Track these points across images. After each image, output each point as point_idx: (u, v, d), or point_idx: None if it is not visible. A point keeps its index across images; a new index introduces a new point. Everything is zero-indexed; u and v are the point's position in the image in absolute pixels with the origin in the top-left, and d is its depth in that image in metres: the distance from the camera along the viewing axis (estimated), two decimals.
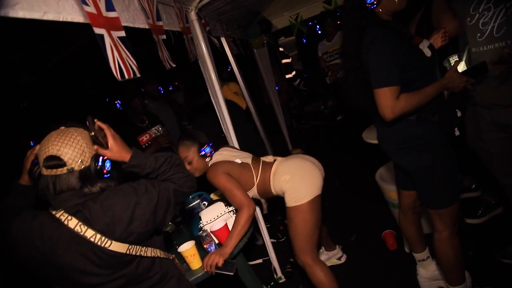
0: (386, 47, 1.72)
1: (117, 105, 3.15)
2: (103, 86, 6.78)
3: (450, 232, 1.97)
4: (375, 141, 2.80)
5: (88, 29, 1.23)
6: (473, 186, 3.03)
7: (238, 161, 2.33)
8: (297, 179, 2.19)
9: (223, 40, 3.62)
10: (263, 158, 2.40)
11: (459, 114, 1.90)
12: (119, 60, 1.31)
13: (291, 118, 8.08)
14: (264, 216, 3.04)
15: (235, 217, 2.16)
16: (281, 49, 8.42)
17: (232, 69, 4.26)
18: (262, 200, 2.43)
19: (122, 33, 1.35)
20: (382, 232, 3.05)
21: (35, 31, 4.07)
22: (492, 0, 1.88)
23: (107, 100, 6.74)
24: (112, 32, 1.28)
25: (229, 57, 3.93)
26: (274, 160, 2.36)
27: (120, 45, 1.31)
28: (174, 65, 1.94)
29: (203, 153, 2.29)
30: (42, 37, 4.34)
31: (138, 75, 1.36)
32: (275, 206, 3.06)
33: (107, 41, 1.26)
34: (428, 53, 1.79)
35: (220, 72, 2.98)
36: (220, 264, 1.97)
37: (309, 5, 5.22)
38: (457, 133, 1.90)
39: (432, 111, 1.82)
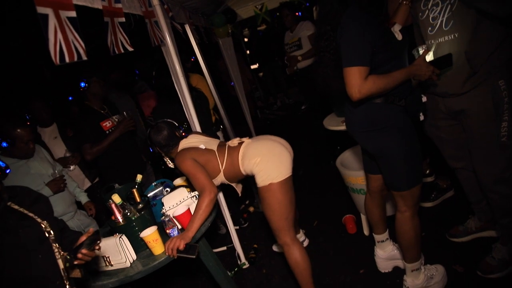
0: (359, 27, 1.73)
1: (82, 84, 3.04)
2: (61, 73, 6.52)
3: (412, 213, 2.05)
4: (335, 128, 2.90)
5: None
6: (428, 172, 3.19)
7: (202, 146, 2.33)
8: (267, 161, 2.18)
9: (186, 27, 3.57)
10: (228, 143, 2.40)
11: (424, 99, 1.97)
12: (61, 42, 1.25)
13: (256, 108, 8.13)
14: (227, 203, 3.06)
15: (198, 202, 2.16)
16: (246, 39, 8.42)
17: (196, 59, 4.22)
18: (233, 184, 2.44)
19: (73, 13, 1.30)
20: (343, 217, 3.16)
21: None
22: None
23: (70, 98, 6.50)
24: (61, 12, 1.24)
25: (193, 45, 3.89)
26: (240, 143, 2.35)
27: (68, 25, 1.26)
28: (131, 49, 1.88)
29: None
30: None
31: (85, 58, 1.32)
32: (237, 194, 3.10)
33: (52, 21, 1.21)
34: (399, 36, 1.83)
35: (183, 61, 2.94)
36: (181, 247, 1.98)
37: None
38: (421, 117, 1.97)
39: (399, 96, 1.86)
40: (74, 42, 1.28)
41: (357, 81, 1.73)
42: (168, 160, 2.47)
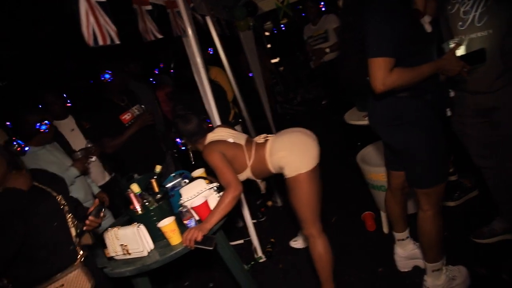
0: (387, 17, 1.66)
1: (106, 76, 3.08)
2: (82, 65, 6.64)
3: (435, 212, 1.99)
4: (357, 122, 2.84)
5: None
6: (451, 170, 3.10)
7: (231, 140, 2.32)
8: (293, 153, 2.17)
9: (207, 19, 3.56)
10: (255, 139, 2.38)
11: (452, 94, 1.91)
12: (94, 26, 1.27)
13: (276, 103, 8.10)
14: (245, 196, 3.05)
15: (221, 195, 2.16)
16: (267, 33, 8.37)
17: (214, 52, 4.21)
18: (258, 181, 2.43)
19: None
20: (362, 214, 3.11)
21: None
22: None
23: (91, 82, 6.61)
24: None
25: (213, 37, 3.88)
26: (266, 140, 2.34)
27: (98, 10, 1.27)
28: (160, 36, 1.90)
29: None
30: (22, 12, 4.23)
31: (117, 42, 1.34)
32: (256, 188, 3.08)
33: (83, 5, 1.23)
34: (428, 28, 1.77)
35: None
36: (199, 239, 1.98)
37: None
38: (448, 113, 1.90)
39: (425, 90, 1.80)
40: (105, 26, 1.30)
41: (382, 73, 1.66)
42: (192, 156, 2.48)
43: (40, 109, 2.99)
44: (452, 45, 1.84)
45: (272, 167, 2.27)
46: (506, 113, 1.92)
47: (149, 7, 1.86)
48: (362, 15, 1.74)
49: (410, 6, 1.77)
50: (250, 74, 5.47)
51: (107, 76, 3.10)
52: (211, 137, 2.36)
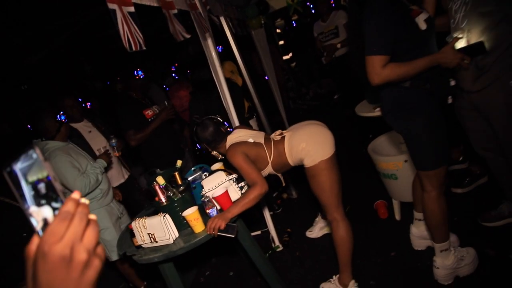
0: (380, 18, 1.86)
1: (139, 72, 3.31)
2: (100, 68, 6.87)
3: (438, 193, 2.13)
4: (367, 114, 2.95)
5: (87, 11, 1.36)
6: (461, 158, 3.19)
7: (251, 140, 2.43)
8: (312, 144, 2.28)
9: (222, 19, 3.70)
10: (272, 136, 2.49)
11: (452, 83, 2.02)
12: (128, 34, 1.43)
13: (288, 99, 8.20)
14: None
15: (247, 190, 2.28)
16: (278, 30, 8.46)
17: (223, 50, 4.34)
18: (279, 174, 2.56)
19: (132, 9, 1.47)
20: (374, 202, 3.22)
21: (36, 14, 4.16)
22: None
23: (108, 83, 6.83)
24: (123, 8, 1.40)
25: (228, 37, 4.01)
26: (282, 136, 2.43)
27: (129, 19, 1.43)
28: (188, 36, 2.07)
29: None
30: (44, 19, 4.43)
31: (144, 48, 1.48)
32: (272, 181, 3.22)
33: (119, 15, 1.38)
34: (422, 26, 1.89)
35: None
36: (222, 227, 2.12)
37: None
38: (449, 101, 2.03)
39: (425, 80, 1.95)
40: (135, 33, 1.45)
41: (376, 69, 1.88)
42: (218, 153, 2.56)
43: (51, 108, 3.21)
44: (451, 39, 1.96)
45: (292, 161, 2.39)
46: (491, 111, 2.01)
47: (175, 11, 2.02)
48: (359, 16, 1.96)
49: (404, 6, 1.93)
50: (266, 77, 5.58)
51: (140, 72, 3.30)
52: (231, 139, 2.47)
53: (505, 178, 2.36)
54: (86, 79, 7.39)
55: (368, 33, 1.90)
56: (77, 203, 0.55)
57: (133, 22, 1.45)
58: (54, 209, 0.55)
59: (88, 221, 0.56)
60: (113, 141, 3.20)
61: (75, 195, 0.56)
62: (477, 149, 2.37)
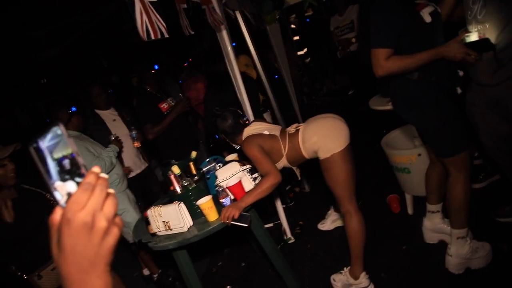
0: (385, 11, 1.96)
1: (156, 66, 3.42)
2: (117, 62, 6.98)
3: (464, 176, 2.15)
4: (381, 107, 2.95)
5: (104, 5, 1.40)
6: (476, 154, 3.16)
7: (266, 132, 2.47)
8: (325, 136, 2.30)
9: (237, 14, 3.73)
10: (287, 129, 2.52)
11: (461, 73, 2.03)
12: (147, 23, 1.47)
13: (302, 94, 8.19)
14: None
15: (260, 180, 2.32)
16: (292, 26, 8.45)
17: (237, 45, 4.36)
18: (294, 168, 2.59)
19: None
20: (387, 197, 3.22)
21: (54, 8, 4.25)
22: None
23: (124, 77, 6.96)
24: None
25: (243, 31, 4.04)
26: (297, 129, 2.46)
27: (151, 8, 1.47)
28: (192, 32, 2.10)
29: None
30: (63, 13, 4.53)
31: (167, 36, 1.53)
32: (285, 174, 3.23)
33: (137, 6, 1.43)
34: (427, 19, 1.92)
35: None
36: (236, 216, 2.16)
37: None
38: (459, 91, 2.06)
39: (431, 72, 2.00)
40: (157, 22, 1.49)
41: (379, 62, 1.97)
42: (234, 144, 2.64)
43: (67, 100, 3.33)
44: (461, 33, 1.96)
45: (307, 154, 2.41)
46: (510, 105, 1.98)
47: (185, 6, 2.05)
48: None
49: (410, 0, 1.98)
50: (276, 76, 5.60)
51: (156, 67, 3.40)
52: (248, 131, 2.53)
53: None
54: (103, 73, 7.52)
55: (374, 27, 1.99)
56: (98, 176, 0.59)
57: (155, 11, 1.49)
58: (77, 183, 0.58)
59: (107, 194, 0.60)
60: (134, 132, 3.32)
61: (96, 169, 0.60)
62: (486, 147, 2.35)
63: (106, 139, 3.16)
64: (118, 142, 3.16)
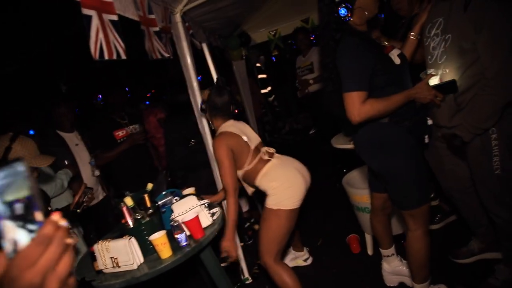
0: (355, 54, 1.83)
1: (98, 98, 3.32)
2: (77, 85, 6.76)
3: (423, 231, 2.07)
4: (343, 146, 2.97)
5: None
6: (432, 195, 3.22)
7: (245, 138, 2.40)
8: (283, 189, 2.27)
9: (204, 46, 3.73)
10: (264, 149, 2.46)
11: (429, 122, 2.03)
12: (102, 41, 1.38)
13: (264, 132, 8.24)
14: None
15: (227, 204, 2.33)
16: (258, 64, 8.62)
17: (203, 78, 4.36)
18: (245, 185, 2.52)
19: (115, 17, 1.44)
20: (347, 236, 3.18)
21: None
22: (441, 27, 2.00)
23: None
24: (104, 15, 1.37)
25: (209, 64, 4.03)
26: (269, 160, 2.40)
27: (109, 27, 1.39)
28: (167, 55, 2.03)
29: None
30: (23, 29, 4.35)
31: (124, 57, 1.44)
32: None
33: (94, 22, 1.34)
34: (397, 61, 1.92)
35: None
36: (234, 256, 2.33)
37: (288, 23, 5.43)
38: (426, 140, 2.00)
39: (404, 117, 1.91)
40: (114, 42, 1.41)
41: (356, 106, 1.82)
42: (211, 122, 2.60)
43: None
44: (424, 76, 2.01)
45: (258, 184, 2.38)
46: (466, 148, 2.03)
47: (157, 29, 2.00)
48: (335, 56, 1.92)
49: (376, 42, 1.96)
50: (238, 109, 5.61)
51: (98, 99, 3.32)
52: (228, 125, 2.46)
53: (472, 217, 2.39)
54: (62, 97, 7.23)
55: (344, 70, 1.87)
56: (57, 226, 0.51)
57: (114, 31, 1.41)
58: (30, 231, 0.49)
59: (65, 248, 0.51)
60: (93, 160, 3.14)
61: (55, 217, 0.51)
62: (445, 189, 2.40)
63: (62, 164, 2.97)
64: (72, 167, 2.98)
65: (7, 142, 2.33)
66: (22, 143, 2.48)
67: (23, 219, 0.49)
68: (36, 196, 0.50)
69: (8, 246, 0.48)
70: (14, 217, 0.49)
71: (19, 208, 0.49)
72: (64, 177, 2.86)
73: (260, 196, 2.53)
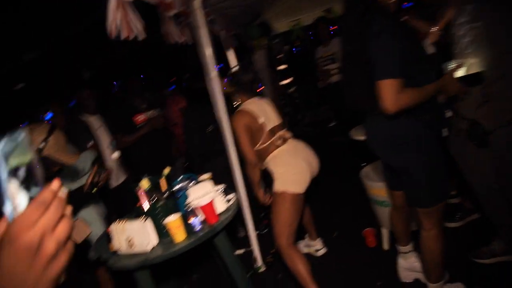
0: (393, 38, 1.67)
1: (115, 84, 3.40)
2: (98, 73, 6.85)
3: (438, 230, 2.00)
4: (362, 138, 2.90)
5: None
6: (454, 193, 3.14)
7: (261, 120, 2.50)
8: (289, 174, 2.40)
9: (223, 33, 3.70)
10: (279, 134, 2.55)
11: (449, 114, 1.96)
12: (120, 20, 1.37)
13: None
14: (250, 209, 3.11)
15: (247, 173, 2.56)
16: (279, 55, 8.54)
17: (223, 67, 4.33)
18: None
19: None
20: (363, 230, 3.13)
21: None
22: (471, 15, 1.88)
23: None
24: None
25: (227, 52, 4.01)
26: (284, 142, 2.51)
27: (127, 7, 1.38)
28: (183, 39, 2.03)
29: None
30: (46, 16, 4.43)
31: (143, 36, 1.44)
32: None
33: (113, 1, 1.34)
34: (430, 50, 1.85)
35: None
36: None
37: (310, 13, 5.36)
38: (445, 133, 1.94)
39: (424, 110, 1.81)
40: (133, 21, 1.40)
41: (393, 94, 1.66)
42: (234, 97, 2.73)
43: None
44: (451, 67, 1.91)
45: (267, 166, 2.51)
46: (494, 138, 1.96)
47: (174, 12, 1.99)
48: (364, 40, 1.75)
49: (409, 27, 1.86)
50: None
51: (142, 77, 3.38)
52: (249, 102, 2.56)
53: (496, 216, 2.30)
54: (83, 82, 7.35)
55: (381, 55, 1.69)
56: (55, 194, 0.52)
57: (131, 11, 1.40)
58: (30, 197, 0.51)
59: (63, 215, 0.53)
60: (114, 142, 3.24)
61: (55, 185, 0.53)
62: (469, 183, 2.32)
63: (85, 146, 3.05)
64: (95, 149, 3.05)
65: (45, 134, 2.35)
66: (57, 137, 2.51)
67: (25, 185, 0.51)
68: (36, 164, 0.52)
69: (8, 210, 0.50)
70: (17, 182, 0.50)
71: (21, 173, 0.51)
72: (89, 158, 2.91)
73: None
